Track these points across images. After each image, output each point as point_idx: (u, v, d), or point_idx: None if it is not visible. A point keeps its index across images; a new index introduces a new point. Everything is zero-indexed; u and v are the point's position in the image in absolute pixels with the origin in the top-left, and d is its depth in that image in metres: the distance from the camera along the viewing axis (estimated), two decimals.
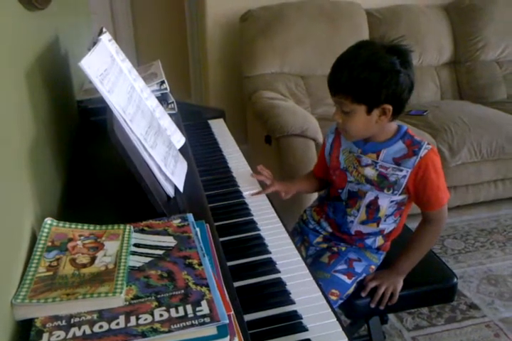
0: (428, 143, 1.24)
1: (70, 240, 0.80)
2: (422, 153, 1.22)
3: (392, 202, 1.29)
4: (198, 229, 0.86)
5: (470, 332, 1.85)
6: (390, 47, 1.16)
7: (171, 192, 1.01)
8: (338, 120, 1.22)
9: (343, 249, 1.38)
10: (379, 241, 1.37)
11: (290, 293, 0.98)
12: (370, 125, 1.20)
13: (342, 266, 1.34)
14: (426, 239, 1.31)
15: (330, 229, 1.41)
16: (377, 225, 1.33)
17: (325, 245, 1.42)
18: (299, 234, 1.48)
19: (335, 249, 1.39)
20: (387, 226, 1.34)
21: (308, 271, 1.05)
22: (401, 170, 1.23)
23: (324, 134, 2.23)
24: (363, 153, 1.27)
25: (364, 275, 1.35)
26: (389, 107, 1.16)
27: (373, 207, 1.30)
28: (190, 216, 0.89)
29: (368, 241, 1.36)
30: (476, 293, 2.05)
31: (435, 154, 1.24)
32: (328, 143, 1.40)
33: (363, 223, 1.34)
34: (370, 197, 1.29)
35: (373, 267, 1.37)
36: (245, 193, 1.36)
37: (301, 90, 2.76)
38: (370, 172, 1.27)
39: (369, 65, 1.13)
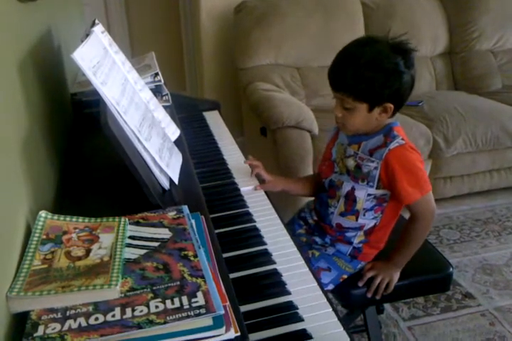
0: (402, 139, 1.23)
1: (65, 233, 0.80)
2: (392, 146, 1.22)
3: (369, 195, 1.28)
4: (193, 221, 0.86)
5: (465, 321, 1.86)
6: (395, 46, 1.17)
7: (166, 184, 1.01)
8: (338, 114, 1.24)
9: (316, 254, 1.36)
10: (359, 237, 1.35)
11: (286, 284, 0.98)
12: (370, 121, 1.23)
13: None
14: (413, 233, 1.29)
15: (315, 218, 1.42)
16: (356, 219, 1.32)
17: (304, 239, 1.41)
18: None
19: (309, 253, 1.36)
20: (367, 221, 1.33)
21: (303, 261, 1.06)
22: (372, 161, 1.24)
23: (320, 126, 2.25)
24: (349, 145, 1.30)
25: (331, 285, 1.34)
26: (390, 106, 1.20)
27: (350, 198, 1.30)
28: (185, 208, 0.89)
29: (348, 235, 1.35)
30: (472, 283, 2.07)
31: (406, 150, 1.22)
32: (329, 137, 1.42)
33: (342, 215, 1.33)
34: (346, 187, 1.30)
35: (345, 276, 1.36)
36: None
37: (297, 82, 2.75)
38: (350, 162, 1.29)
39: (374, 65, 1.14)
